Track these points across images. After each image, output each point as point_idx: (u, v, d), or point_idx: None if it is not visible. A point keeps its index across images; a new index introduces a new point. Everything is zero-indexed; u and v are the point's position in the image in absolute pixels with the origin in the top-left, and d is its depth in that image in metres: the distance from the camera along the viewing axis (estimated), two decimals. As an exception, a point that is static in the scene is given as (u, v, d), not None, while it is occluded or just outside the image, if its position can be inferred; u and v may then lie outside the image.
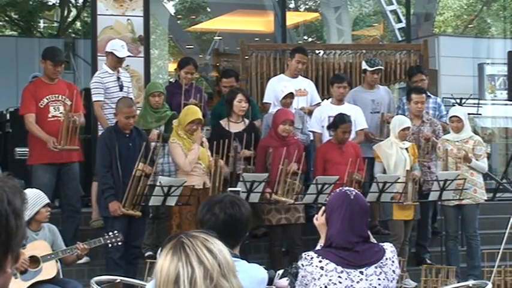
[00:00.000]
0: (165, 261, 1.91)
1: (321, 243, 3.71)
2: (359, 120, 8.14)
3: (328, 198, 3.70)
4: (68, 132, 7.07)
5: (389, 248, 3.62)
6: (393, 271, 3.55)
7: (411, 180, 7.55)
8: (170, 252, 1.91)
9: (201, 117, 7.23)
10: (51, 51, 7.64)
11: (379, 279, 3.50)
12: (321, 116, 8.14)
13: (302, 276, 3.55)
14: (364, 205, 3.64)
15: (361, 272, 3.49)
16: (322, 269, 3.49)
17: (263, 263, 4.15)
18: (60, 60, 7.54)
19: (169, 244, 1.94)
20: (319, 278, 3.48)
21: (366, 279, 3.49)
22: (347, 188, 3.75)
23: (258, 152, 7.62)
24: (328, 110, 8.15)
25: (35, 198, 5.83)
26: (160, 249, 2.02)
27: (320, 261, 3.50)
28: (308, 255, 3.55)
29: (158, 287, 1.91)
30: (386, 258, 3.55)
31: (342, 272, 3.48)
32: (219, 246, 1.94)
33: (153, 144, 7.29)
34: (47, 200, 5.94)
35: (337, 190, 3.74)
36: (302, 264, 3.54)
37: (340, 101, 8.22)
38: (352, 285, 3.47)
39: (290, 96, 7.86)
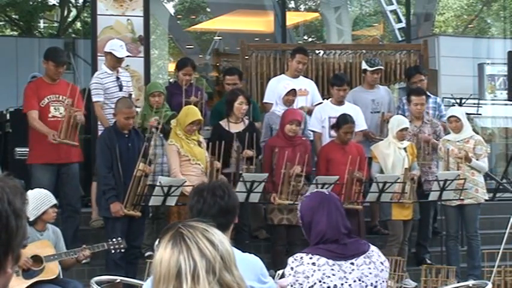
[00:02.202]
0: (164, 254, 1.82)
1: None
2: (359, 121, 8.14)
3: (302, 203, 3.74)
4: (68, 126, 7.07)
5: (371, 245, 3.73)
6: (381, 263, 3.63)
7: (409, 180, 7.55)
8: (170, 244, 1.83)
9: (200, 117, 7.24)
10: (53, 51, 7.64)
11: (369, 268, 3.58)
12: (322, 116, 8.14)
13: (294, 282, 3.57)
14: (338, 200, 3.81)
15: (352, 263, 3.57)
16: (314, 265, 3.54)
17: (263, 262, 4.15)
18: (63, 61, 7.56)
19: (167, 235, 1.85)
20: (312, 275, 3.52)
21: (358, 269, 3.56)
22: (316, 190, 3.91)
23: (264, 152, 7.65)
24: (328, 110, 8.15)
25: (44, 198, 5.85)
26: (158, 240, 1.93)
27: (311, 258, 3.56)
28: (297, 256, 3.60)
29: (158, 281, 1.82)
30: (372, 250, 3.65)
31: (333, 264, 3.54)
32: (219, 236, 1.87)
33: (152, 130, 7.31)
34: (54, 201, 5.95)
35: (308, 194, 3.84)
36: (291, 268, 3.58)
37: (340, 102, 8.22)
38: (345, 276, 3.53)
39: (293, 93, 7.87)
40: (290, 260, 3.60)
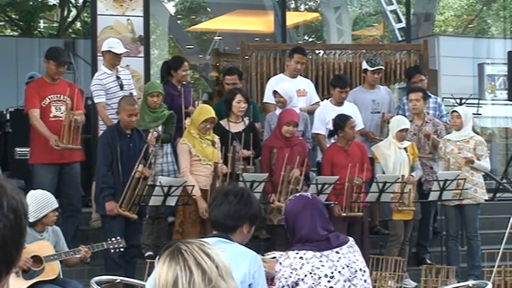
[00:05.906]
0: (163, 268, 1.92)
1: None
2: (357, 120, 8.14)
3: (285, 206, 3.93)
4: (69, 131, 7.09)
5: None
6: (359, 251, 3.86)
7: (409, 185, 7.54)
8: (168, 258, 1.93)
9: (214, 115, 7.21)
10: (54, 51, 7.65)
11: (355, 255, 3.76)
12: (325, 118, 8.08)
13: (280, 277, 3.68)
14: (322, 203, 3.97)
15: (337, 252, 3.74)
16: (302, 259, 3.68)
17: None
18: (64, 61, 7.58)
19: (166, 252, 1.96)
20: (301, 267, 3.66)
21: (344, 257, 3.73)
22: (300, 193, 4.09)
23: (263, 153, 7.65)
24: (330, 111, 8.07)
25: (46, 201, 5.79)
26: (157, 257, 2.04)
27: (297, 253, 3.70)
28: (283, 253, 3.77)
29: None
30: (353, 240, 3.85)
31: (321, 256, 3.70)
32: (215, 250, 1.96)
33: (151, 147, 7.29)
34: (56, 205, 5.91)
35: (292, 197, 3.97)
36: (280, 263, 3.70)
37: (340, 103, 8.20)
38: (334, 265, 3.68)
39: (278, 95, 7.84)
40: (277, 258, 3.79)
